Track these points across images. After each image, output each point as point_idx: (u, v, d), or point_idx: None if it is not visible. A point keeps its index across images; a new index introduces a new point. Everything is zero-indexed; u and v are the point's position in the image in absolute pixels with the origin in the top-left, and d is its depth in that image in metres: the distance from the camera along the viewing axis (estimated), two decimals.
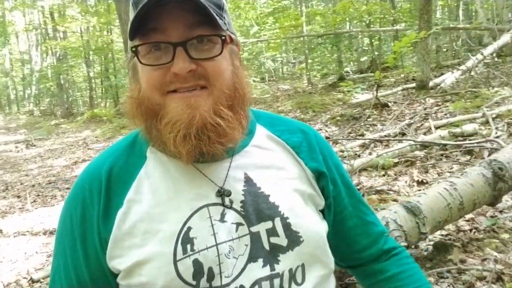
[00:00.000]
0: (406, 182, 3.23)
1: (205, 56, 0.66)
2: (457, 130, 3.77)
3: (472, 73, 6.30)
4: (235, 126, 0.68)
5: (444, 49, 11.99)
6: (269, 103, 9.02)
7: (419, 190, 2.98)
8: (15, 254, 3.13)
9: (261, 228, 0.71)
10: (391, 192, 3.10)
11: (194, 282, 0.66)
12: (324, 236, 0.76)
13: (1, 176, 6.36)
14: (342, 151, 4.24)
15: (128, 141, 0.78)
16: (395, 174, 3.42)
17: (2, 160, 8.02)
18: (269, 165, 0.76)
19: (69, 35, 18.09)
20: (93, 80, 18.38)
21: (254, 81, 12.45)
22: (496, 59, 7.45)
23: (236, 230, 0.70)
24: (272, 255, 0.70)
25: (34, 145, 9.37)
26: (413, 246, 2.03)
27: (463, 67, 6.25)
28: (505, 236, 2.07)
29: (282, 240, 0.71)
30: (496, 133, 3.58)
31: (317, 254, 0.75)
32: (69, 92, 19.50)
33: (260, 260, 0.69)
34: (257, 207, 0.71)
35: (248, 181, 0.73)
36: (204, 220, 0.68)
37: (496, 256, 1.89)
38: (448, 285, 1.76)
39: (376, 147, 4.17)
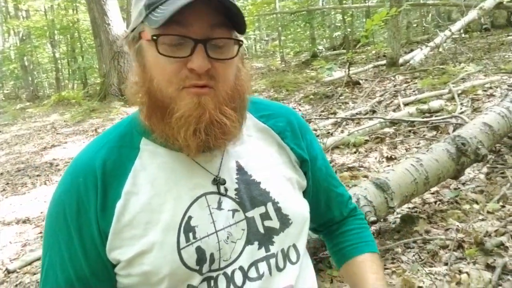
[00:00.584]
0: (376, 158, 3.34)
1: (221, 57, 0.68)
2: (425, 106, 3.89)
3: (440, 50, 6.45)
4: (236, 125, 0.71)
5: (414, 25, 12.16)
6: None
7: (388, 166, 3.10)
8: None
9: (255, 213, 0.76)
10: (362, 168, 3.20)
11: (197, 268, 0.70)
12: (308, 217, 0.83)
13: None
14: (315, 130, 4.31)
15: (118, 131, 0.77)
16: (366, 151, 3.53)
17: None
18: (258, 153, 0.80)
19: (32, 14, 17.20)
20: (59, 61, 17.65)
21: None
22: (463, 35, 7.64)
23: (233, 217, 0.74)
24: (267, 237, 0.76)
25: (0, 131, 9.03)
26: (382, 220, 2.13)
27: (431, 43, 6.38)
28: (467, 206, 2.20)
29: (275, 223, 0.77)
30: (461, 108, 3.73)
31: (302, 233, 0.81)
32: (34, 74, 18.68)
33: (256, 243, 0.75)
34: (250, 194, 0.76)
35: (240, 169, 0.77)
36: (203, 209, 0.72)
37: (458, 225, 2.02)
38: (414, 255, 1.88)
39: (348, 125, 4.26)
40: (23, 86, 18.08)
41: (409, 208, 2.31)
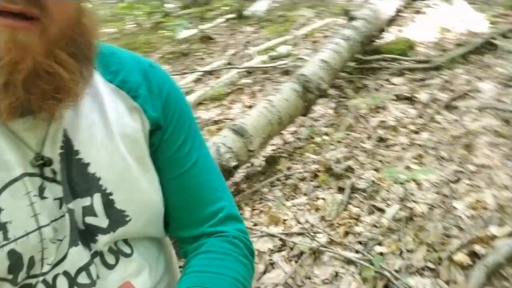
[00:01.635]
0: (239, 109, 3.43)
1: None
2: (274, 53, 4.10)
3: None
4: (78, 79, 0.51)
5: None
6: None
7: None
8: None
9: (77, 205, 0.57)
10: (227, 120, 3.25)
11: (10, 277, 0.53)
12: (159, 211, 0.65)
13: None
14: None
15: None
16: (230, 103, 3.58)
17: None
18: (96, 121, 0.58)
19: None
20: None
21: None
22: None
23: (60, 207, 0.56)
24: (88, 234, 0.59)
25: None
26: (251, 165, 2.20)
27: None
28: (319, 139, 2.41)
29: (101, 221, 0.58)
30: (305, 51, 4.03)
31: (147, 230, 0.65)
32: None
33: (80, 243, 0.58)
34: (72, 179, 0.56)
35: (67, 142, 0.56)
36: (20, 198, 0.52)
37: (313, 158, 2.20)
38: (279, 191, 1.99)
39: (208, 80, 4.24)
40: None
41: (273, 150, 2.43)
